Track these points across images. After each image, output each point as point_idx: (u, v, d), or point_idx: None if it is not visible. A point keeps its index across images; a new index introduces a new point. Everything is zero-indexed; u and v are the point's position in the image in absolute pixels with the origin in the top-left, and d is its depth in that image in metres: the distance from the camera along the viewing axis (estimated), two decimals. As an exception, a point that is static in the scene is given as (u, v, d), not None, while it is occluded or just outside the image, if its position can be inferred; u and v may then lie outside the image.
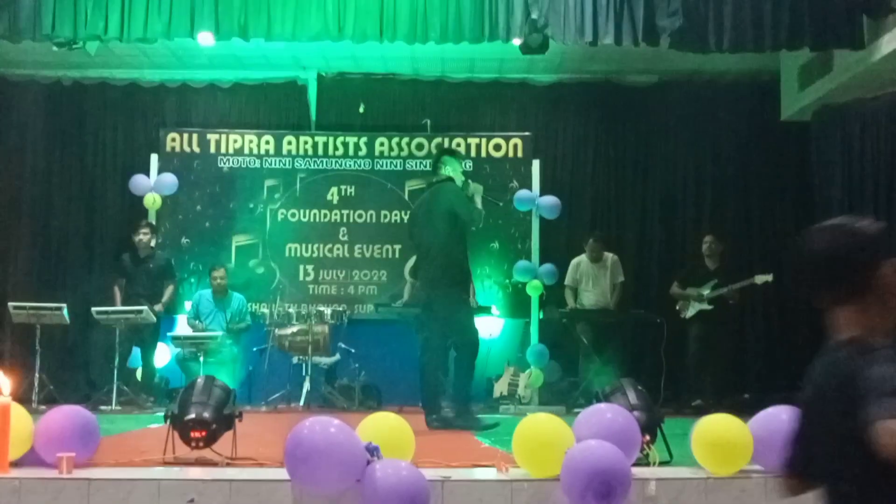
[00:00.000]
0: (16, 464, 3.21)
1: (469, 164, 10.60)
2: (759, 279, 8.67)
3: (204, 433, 3.55)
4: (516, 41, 8.09)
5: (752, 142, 10.23)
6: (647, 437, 3.54)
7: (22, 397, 3.41)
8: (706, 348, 9.04)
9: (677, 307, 9.22)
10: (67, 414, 3.35)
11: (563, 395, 9.01)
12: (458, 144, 10.63)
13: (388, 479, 2.89)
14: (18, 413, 3.24)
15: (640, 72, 10.36)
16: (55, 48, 8.13)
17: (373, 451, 2.98)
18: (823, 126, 9.07)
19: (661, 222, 10.41)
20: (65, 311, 8.45)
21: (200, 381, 3.79)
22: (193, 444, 3.55)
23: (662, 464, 3.49)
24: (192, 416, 3.56)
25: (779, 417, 3.32)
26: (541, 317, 10.18)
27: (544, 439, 3.18)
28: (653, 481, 3.16)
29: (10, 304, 8.48)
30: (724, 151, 10.35)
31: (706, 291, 8.97)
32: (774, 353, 9.85)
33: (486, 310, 9.78)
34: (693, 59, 8.85)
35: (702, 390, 8.75)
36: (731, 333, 9.36)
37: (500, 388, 9.46)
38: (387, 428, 3.29)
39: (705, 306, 9.00)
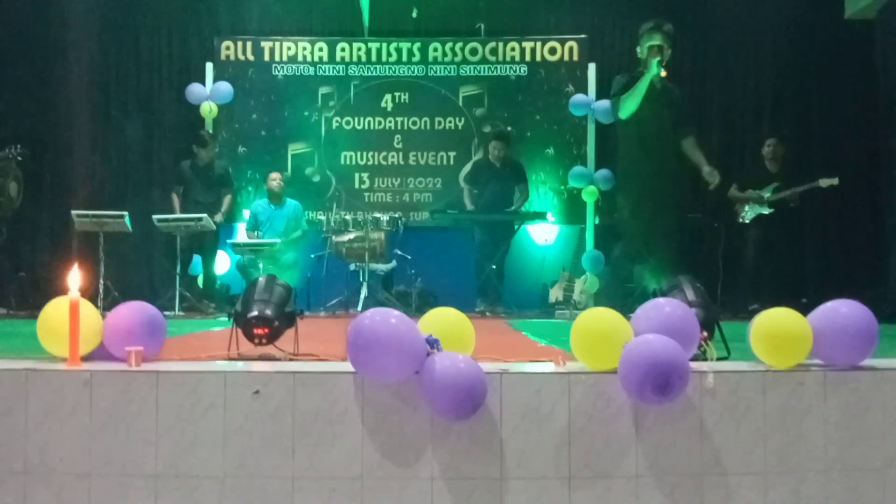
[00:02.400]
0: (86, 358, 3.31)
1: (524, 69, 10.51)
2: (824, 182, 8.53)
3: (267, 330, 3.61)
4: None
5: (814, 41, 9.97)
6: (705, 333, 3.54)
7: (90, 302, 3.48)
8: (764, 252, 8.95)
9: (736, 211, 9.11)
10: (135, 309, 3.42)
11: (619, 300, 9.01)
12: (513, 49, 10.53)
13: (446, 371, 2.93)
14: (87, 309, 3.32)
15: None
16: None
17: (433, 343, 3.02)
18: (889, 24, 8.79)
19: (721, 124, 10.25)
20: (126, 219, 8.60)
21: (262, 280, 3.84)
22: (257, 340, 3.62)
23: (720, 359, 3.50)
24: (255, 313, 3.62)
25: (839, 311, 3.30)
26: (596, 222, 10.15)
27: (602, 332, 3.19)
28: (711, 374, 3.17)
29: (74, 211, 8.64)
30: (785, 51, 10.11)
31: (767, 194, 8.84)
32: (833, 258, 9.75)
33: (541, 216, 9.78)
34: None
35: (760, 295, 8.68)
36: (791, 238, 9.25)
37: (556, 293, 9.51)
38: (447, 322, 3.32)
39: (765, 209, 8.88)
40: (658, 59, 6.36)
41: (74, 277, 3.23)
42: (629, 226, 6.77)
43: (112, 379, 3.14)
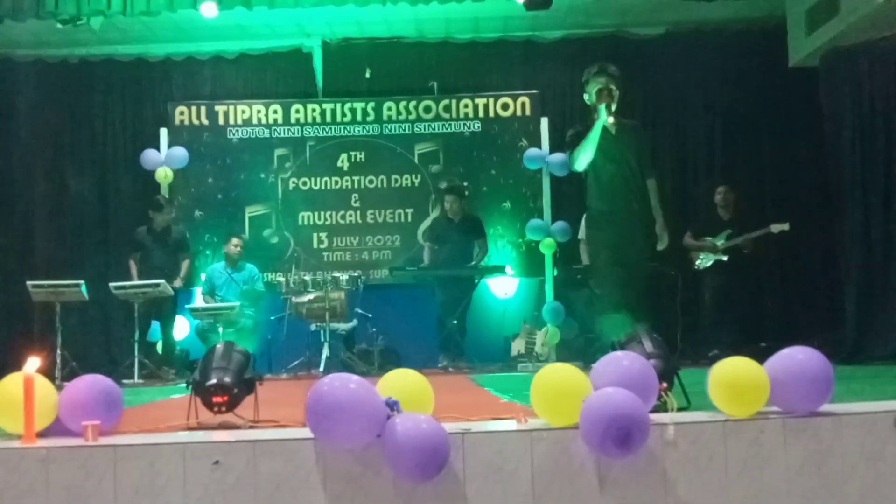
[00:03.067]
0: (42, 434, 3.26)
1: (478, 125, 10.62)
2: (776, 228, 8.67)
3: (226, 398, 3.58)
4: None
5: (761, 90, 10.19)
6: (664, 384, 3.56)
7: (45, 375, 3.44)
8: (722, 299, 9.05)
9: (691, 258, 9.21)
10: (90, 383, 3.38)
11: (581, 351, 9.04)
12: (466, 105, 10.65)
13: (408, 433, 2.92)
14: (42, 384, 3.28)
15: (646, 24, 10.32)
16: (59, 25, 8.16)
17: (392, 405, 3.01)
18: (832, 70, 9.00)
19: (672, 174, 10.39)
20: (83, 288, 8.52)
21: (220, 346, 3.81)
22: (216, 409, 3.58)
23: (680, 409, 3.51)
24: (214, 381, 3.59)
25: (794, 358, 3.33)
26: (555, 274, 10.21)
27: (562, 388, 3.19)
28: (671, 426, 3.18)
29: (29, 282, 8.55)
30: (733, 100, 10.32)
31: (720, 241, 8.96)
32: (790, 301, 9.86)
33: (500, 269, 9.84)
34: (698, 8, 8.81)
35: (718, 341, 8.76)
36: (747, 283, 9.36)
37: (518, 346, 9.52)
38: (406, 384, 3.32)
39: (720, 257, 8.99)
40: (605, 103, 6.14)
41: (31, 361, 3.20)
42: (602, 275, 6.40)
43: (69, 455, 3.09)
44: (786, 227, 8.65)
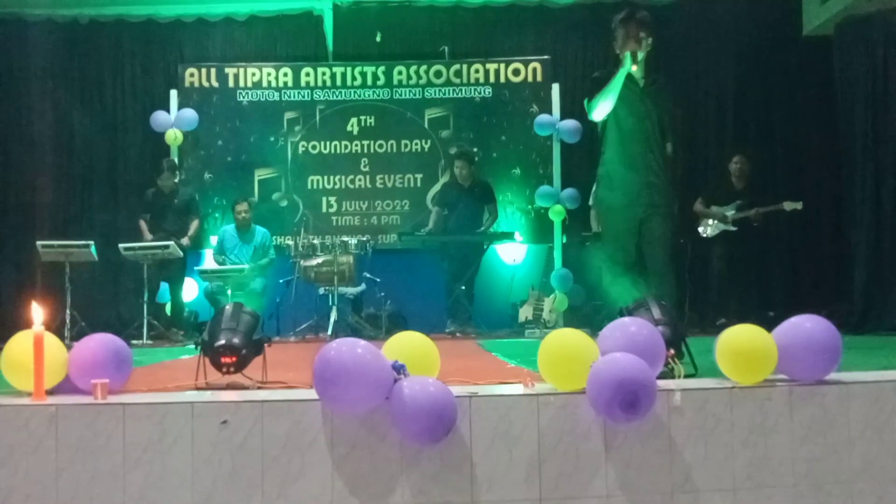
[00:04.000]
0: (51, 392, 3.28)
1: (488, 91, 10.57)
2: (789, 206, 8.63)
3: (234, 359, 3.60)
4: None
5: (774, 59, 10.11)
6: (672, 351, 3.56)
7: (54, 333, 3.45)
8: (731, 268, 9.04)
9: (699, 226, 9.18)
10: (100, 342, 3.39)
11: (588, 318, 9.05)
12: (477, 71, 10.59)
13: (415, 396, 2.93)
14: (52, 342, 3.29)
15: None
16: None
17: (399, 368, 3.02)
18: (846, 40, 8.94)
19: (684, 141, 10.33)
20: (92, 248, 8.55)
21: (229, 308, 3.83)
22: (224, 369, 3.60)
23: (687, 376, 3.52)
24: (222, 341, 3.61)
25: (802, 326, 3.33)
26: (564, 241, 10.20)
27: (569, 353, 3.20)
28: (678, 392, 3.19)
29: (39, 242, 8.57)
30: (746, 69, 10.24)
31: (731, 212, 8.92)
32: (799, 272, 9.85)
33: (509, 236, 9.83)
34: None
35: (726, 310, 8.77)
36: (756, 253, 9.33)
37: (525, 312, 9.54)
38: (412, 347, 3.32)
39: (729, 227, 8.96)
40: (631, 50, 5.50)
41: (37, 311, 3.20)
42: (610, 236, 5.77)
43: (78, 412, 3.11)
44: (798, 205, 8.59)
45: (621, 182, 5.58)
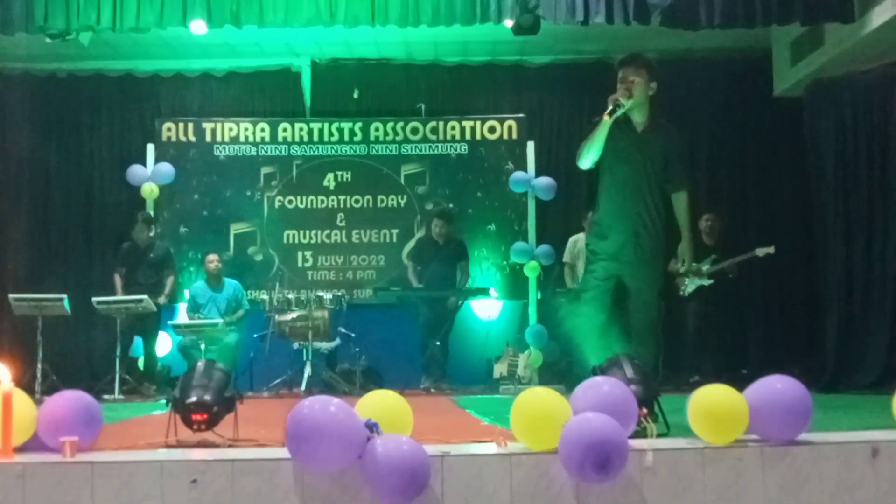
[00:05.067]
0: (19, 449, 3.24)
1: (464, 147, 10.66)
2: (761, 251, 8.70)
3: (206, 416, 3.58)
4: (508, 23, 8.13)
5: (745, 118, 10.28)
6: (644, 410, 3.58)
7: (25, 388, 3.43)
8: (704, 325, 9.08)
9: (676, 284, 9.23)
10: (69, 398, 3.37)
11: (563, 374, 9.04)
12: (453, 127, 10.69)
13: (388, 454, 2.93)
14: (21, 399, 3.27)
15: (633, 51, 10.36)
16: (48, 40, 8.16)
17: (372, 427, 3.01)
18: (816, 100, 9.09)
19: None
20: (65, 302, 8.50)
21: (201, 364, 3.82)
22: (195, 426, 3.59)
23: (660, 436, 3.53)
24: (194, 399, 3.59)
25: (773, 387, 3.35)
26: (538, 297, 10.23)
27: (542, 413, 3.20)
28: (650, 452, 3.19)
29: (11, 295, 8.52)
30: (717, 129, 10.38)
31: (706, 266, 8.98)
32: (772, 328, 9.90)
33: (484, 292, 9.86)
34: (684, 36, 8.85)
35: (700, 367, 8.80)
36: (730, 309, 9.39)
37: (500, 369, 9.52)
38: (385, 405, 3.32)
39: (705, 281, 9.01)
40: (621, 96, 5.16)
41: (3, 370, 3.18)
42: (591, 288, 5.40)
43: (46, 471, 3.08)
44: (771, 250, 8.66)
45: (610, 231, 5.32)
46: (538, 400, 3.30)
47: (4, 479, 3.05)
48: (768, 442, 3.31)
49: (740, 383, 3.43)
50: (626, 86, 5.19)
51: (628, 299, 5.30)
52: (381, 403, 3.34)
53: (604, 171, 5.37)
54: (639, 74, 5.24)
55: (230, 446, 3.54)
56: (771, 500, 3.22)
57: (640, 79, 5.23)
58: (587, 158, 5.28)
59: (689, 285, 9.10)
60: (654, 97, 5.30)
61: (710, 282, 9.00)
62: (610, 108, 5.12)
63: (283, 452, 3.09)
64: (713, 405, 3.31)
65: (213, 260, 9.56)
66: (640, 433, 3.47)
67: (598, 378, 3.57)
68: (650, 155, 5.29)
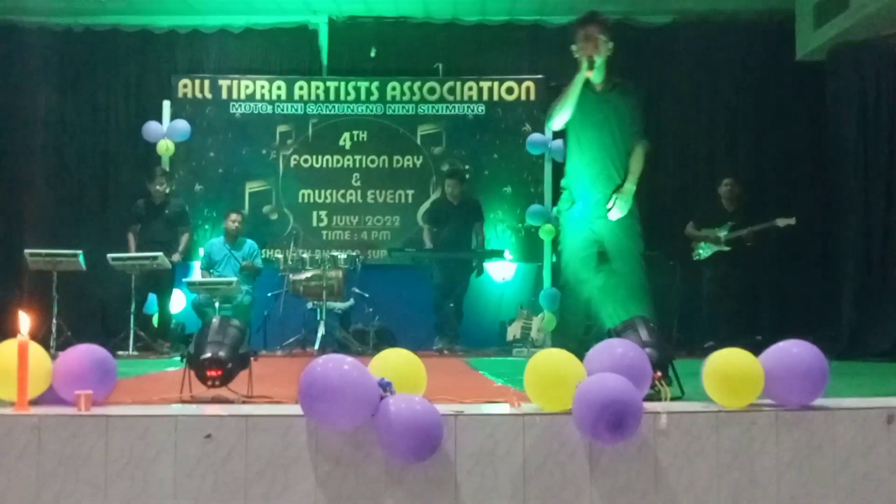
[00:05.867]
0: (35, 402, 3.26)
1: (481, 108, 10.60)
2: (781, 222, 8.61)
3: (220, 372, 3.59)
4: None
5: (767, 82, 10.16)
6: (659, 373, 3.56)
7: (40, 342, 3.44)
8: (720, 290, 9.03)
9: (691, 248, 9.19)
10: (85, 352, 3.37)
11: (578, 338, 9.00)
12: (471, 88, 10.62)
13: (401, 414, 2.92)
14: (36, 352, 3.27)
15: (654, 12, 10.27)
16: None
17: (385, 386, 3.01)
18: (838, 65, 9.00)
19: (676, 163, 10.37)
20: (80, 258, 8.52)
21: (215, 321, 3.82)
22: (210, 383, 3.59)
23: (674, 399, 3.52)
24: (208, 355, 3.59)
25: (789, 352, 3.33)
26: (553, 260, 10.21)
27: (555, 373, 3.19)
28: (664, 414, 3.18)
29: (27, 250, 8.54)
30: (739, 92, 10.29)
31: (724, 233, 8.92)
32: (788, 296, 9.85)
33: (499, 254, 9.84)
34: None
35: (715, 332, 8.76)
36: (746, 275, 9.33)
37: (514, 331, 9.53)
38: (399, 364, 3.31)
39: (722, 248, 8.96)
40: (588, 56, 5.24)
41: (23, 319, 3.19)
42: (577, 253, 5.42)
43: (61, 424, 3.09)
44: (792, 221, 8.57)
45: (581, 194, 5.38)
46: (552, 361, 3.28)
47: (20, 432, 3.07)
48: (783, 407, 3.30)
49: (755, 349, 3.41)
50: (593, 42, 5.29)
51: (612, 262, 5.32)
52: (394, 362, 3.33)
53: (569, 134, 5.44)
54: (602, 33, 5.33)
55: (244, 402, 3.55)
56: (784, 464, 3.20)
57: (603, 37, 5.32)
58: (558, 120, 5.37)
59: (705, 250, 9.05)
60: (609, 57, 5.37)
61: (727, 248, 8.94)
62: (586, 63, 5.23)
63: (297, 409, 3.09)
64: (728, 369, 3.29)
65: (235, 219, 9.57)
66: (654, 396, 3.46)
67: (613, 340, 3.56)
68: (612, 114, 5.35)
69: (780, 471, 3.21)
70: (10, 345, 3.22)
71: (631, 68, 10.36)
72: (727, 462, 3.18)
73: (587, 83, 5.33)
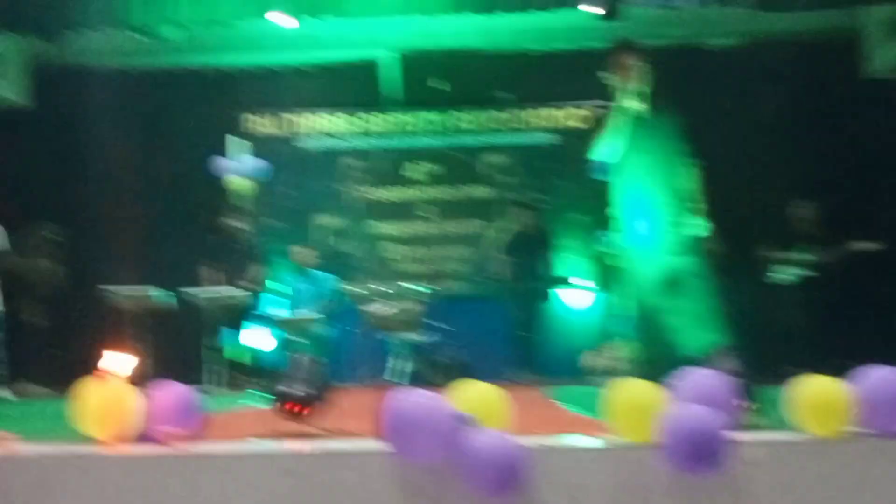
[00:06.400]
0: (124, 440, 3.31)
1: (553, 137, 10.58)
2: (861, 246, 8.42)
3: (304, 409, 3.63)
4: (583, 7, 8.00)
5: (837, 101, 9.94)
6: (745, 402, 3.50)
7: (129, 381, 3.51)
8: (803, 315, 8.84)
9: (771, 273, 9.03)
10: (172, 391, 3.43)
11: (657, 367, 8.87)
12: (539, 117, 10.62)
13: (485, 449, 2.91)
14: (125, 390, 3.34)
15: (718, 35, 10.18)
16: (135, 35, 8.31)
17: (466, 420, 3.00)
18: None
19: (750, 188, 10.19)
20: (162, 294, 8.65)
21: (300, 357, 3.89)
22: (294, 419, 3.63)
23: (761, 428, 3.45)
24: (293, 392, 3.64)
25: (884, 378, 3.24)
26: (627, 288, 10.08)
27: (637, 404, 3.15)
28: (752, 444, 3.12)
29: (108, 287, 8.70)
30: (807, 113, 10.07)
31: (804, 256, 8.76)
32: (872, 322, 9.59)
33: (573, 282, 9.78)
34: (771, 19, 8.62)
35: (798, 359, 8.56)
36: (829, 300, 9.12)
37: (592, 360, 9.42)
38: (480, 397, 3.30)
39: (803, 271, 8.80)
40: (623, 84, 5.22)
41: (127, 360, 3.25)
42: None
43: (149, 462, 3.14)
44: (872, 246, 8.37)
45: (630, 221, 5.31)
46: (633, 391, 3.25)
47: (110, 470, 3.12)
48: (877, 434, 3.21)
49: (839, 374, 3.33)
50: (627, 70, 5.22)
51: (686, 287, 5.13)
52: (476, 395, 3.32)
53: (614, 164, 5.32)
54: (637, 60, 5.26)
55: (327, 437, 3.57)
56: (881, 495, 3.11)
57: (638, 64, 5.24)
58: (598, 151, 5.30)
59: (786, 274, 8.89)
60: (652, 84, 5.26)
61: (807, 272, 8.77)
62: (622, 94, 5.17)
63: (379, 444, 3.10)
64: (816, 395, 3.22)
65: (301, 252, 9.65)
66: (742, 425, 3.39)
67: (696, 369, 3.50)
68: (656, 140, 5.24)
69: (875, 500, 3.11)
70: (99, 383, 3.28)
71: (698, 92, 10.31)
72: (820, 492, 3.11)
73: (627, 111, 5.25)
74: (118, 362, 3.25)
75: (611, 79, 5.29)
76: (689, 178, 5.33)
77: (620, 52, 5.30)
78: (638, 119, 5.26)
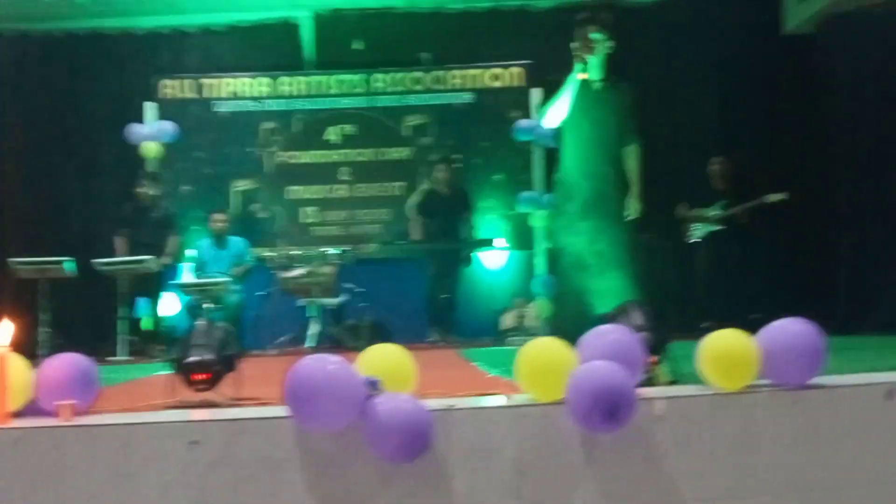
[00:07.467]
0: (16, 414, 3.18)
1: (468, 97, 10.52)
2: (772, 198, 8.55)
3: (206, 376, 3.53)
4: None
5: (753, 58, 10.05)
6: (654, 358, 3.50)
7: (28, 352, 3.36)
8: (714, 270, 8.97)
9: (685, 230, 9.12)
10: (66, 361, 3.29)
11: (572, 325, 8.93)
12: (457, 77, 10.55)
13: (389, 413, 2.85)
14: (17, 363, 3.20)
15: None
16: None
17: (372, 384, 2.94)
18: (828, 37, 8.90)
19: (666, 143, 10.24)
20: (67, 265, 8.42)
21: (200, 324, 3.76)
22: (196, 387, 3.53)
23: (669, 383, 3.45)
24: (194, 358, 3.54)
25: (786, 330, 3.25)
26: (546, 247, 10.12)
27: (547, 363, 3.12)
28: (661, 400, 3.11)
29: (12, 259, 8.44)
30: (726, 69, 10.17)
31: (715, 212, 8.86)
32: (783, 273, 9.77)
33: (491, 242, 9.78)
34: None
35: (710, 313, 8.69)
36: (740, 254, 9.26)
37: (508, 320, 9.47)
38: (387, 360, 3.24)
39: (715, 227, 8.90)
40: (586, 56, 5.36)
41: (3, 330, 3.11)
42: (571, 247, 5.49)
43: (43, 436, 3.02)
44: (783, 196, 8.51)
45: (575, 190, 5.43)
46: (543, 350, 3.22)
47: (1, 445, 2.99)
48: (781, 386, 3.23)
49: (751, 328, 3.34)
50: (590, 43, 5.41)
51: (603, 245, 5.31)
52: (382, 358, 3.26)
53: (565, 130, 5.50)
54: (598, 32, 5.45)
55: (231, 406, 3.48)
56: (784, 445, 3.14)
57: (601, 36, 5.44)
58: (550, 117, 5.48)
59: (698, 230, 9.00)
60: (610, 54, 5.48)
61: (720, 228, 8.88)
62: (581, 66, 5.37)
63: (284, 411, 3.02)
64: (724, 350, 3.22)
65: (218, 219, 9.47)
66: (650, 381, 3.39)
67: (605, 326, 3.48)
68: (609, 111, 5.46)
69: (780, 453, 3.15)
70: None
71: (619, 49, 10.28)
72: (725, 446, 3.12)
73: (584, 81, 5.41)
74: (6, 333, 3.10)
75: (575, 49, 5.45)
76: (632, 156, 5.58)
77: (585, 24, 5.47)
78: (593, 90, 5.43)
